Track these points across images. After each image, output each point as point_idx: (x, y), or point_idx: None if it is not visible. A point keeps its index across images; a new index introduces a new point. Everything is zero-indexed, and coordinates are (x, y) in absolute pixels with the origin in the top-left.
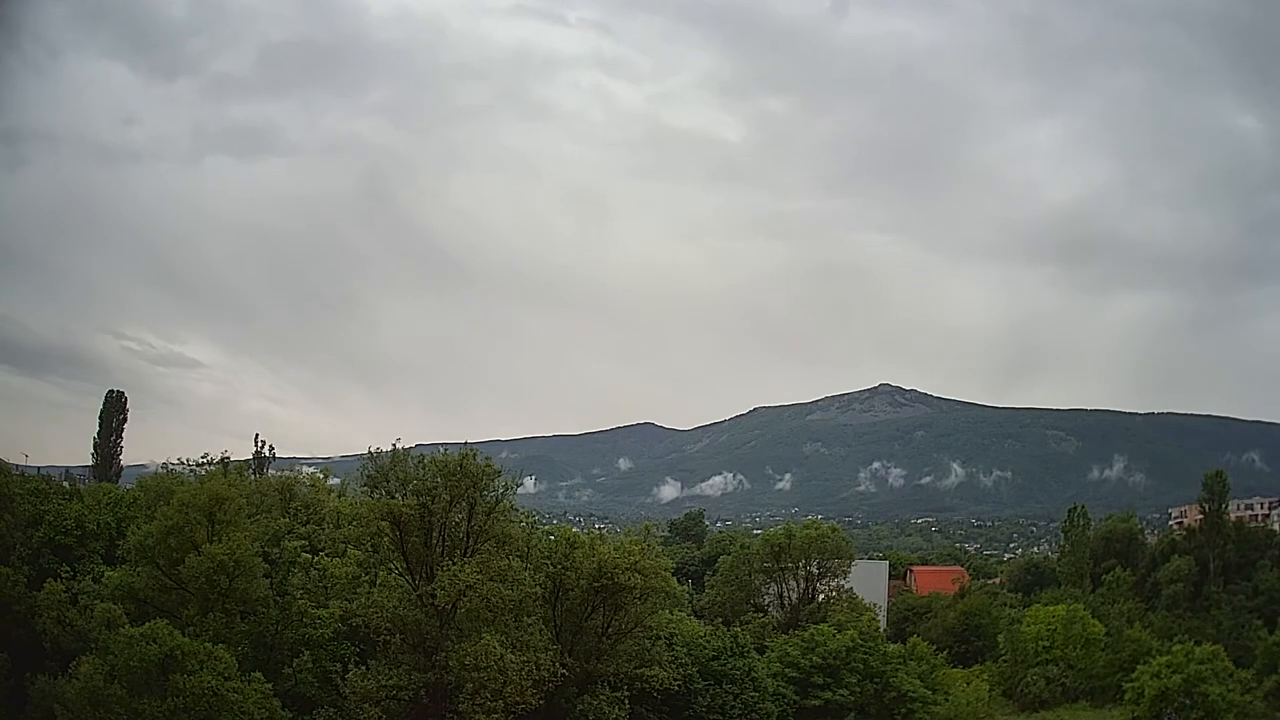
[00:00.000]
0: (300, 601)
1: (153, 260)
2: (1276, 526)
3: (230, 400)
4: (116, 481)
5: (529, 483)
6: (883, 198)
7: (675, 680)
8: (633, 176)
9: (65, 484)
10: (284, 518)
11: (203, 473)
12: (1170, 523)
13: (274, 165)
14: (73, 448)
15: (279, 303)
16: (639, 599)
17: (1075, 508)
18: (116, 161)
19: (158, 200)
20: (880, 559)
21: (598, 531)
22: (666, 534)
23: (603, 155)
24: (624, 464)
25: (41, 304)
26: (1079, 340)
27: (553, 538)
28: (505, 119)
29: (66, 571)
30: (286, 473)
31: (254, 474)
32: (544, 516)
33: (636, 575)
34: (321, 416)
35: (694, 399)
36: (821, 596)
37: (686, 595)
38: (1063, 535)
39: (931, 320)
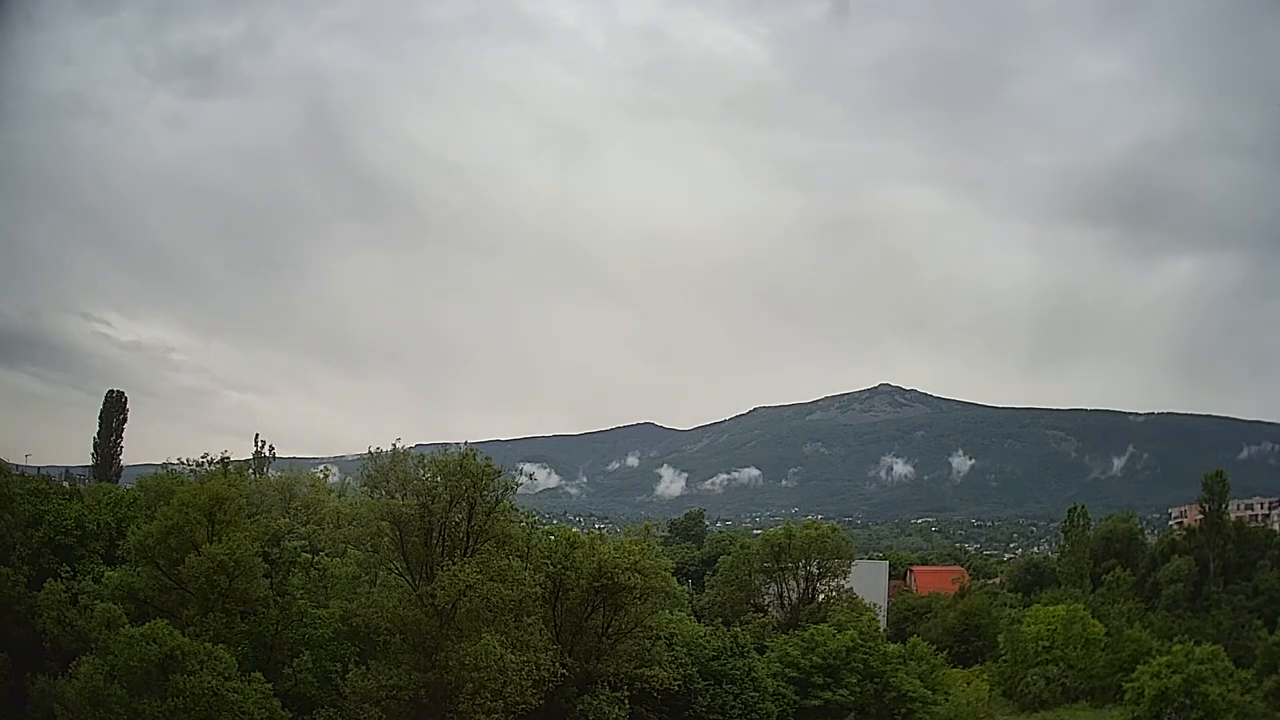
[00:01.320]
0: (300, 601)
1: (100, 226)
2: (1276, 526)
3: (211, 392)
4: (116, 481)
5: (542, 476)
6: (921, 140)
7: (675, 680)
8: (633, 116)
9: (65, 484)
10: (284, 518)
11: (203, 473)
12: (1170, 523)
13: (224, 108)
14: (73, 448)
15: (239, 274)
16: (639, 599)
17: (1075, 508)
18: (56, 111)
19: (100, 155)
20: (880, 559)
21: (598, 531)
22: (666, 534)
23: (599, 85)
24: (624, 463)
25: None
26: (1129, 314)
27: (553, 538)
28: (486, 43)
29: (66, 571)
30: (286, 472)
31: (254, 474)
32: (544, 516)
33: (636, 575)
34: (303, 407)
35: (694, 399)
36: (821, 596)
37: (686, 595)
38: (1063, 535)
39: (962, 289)
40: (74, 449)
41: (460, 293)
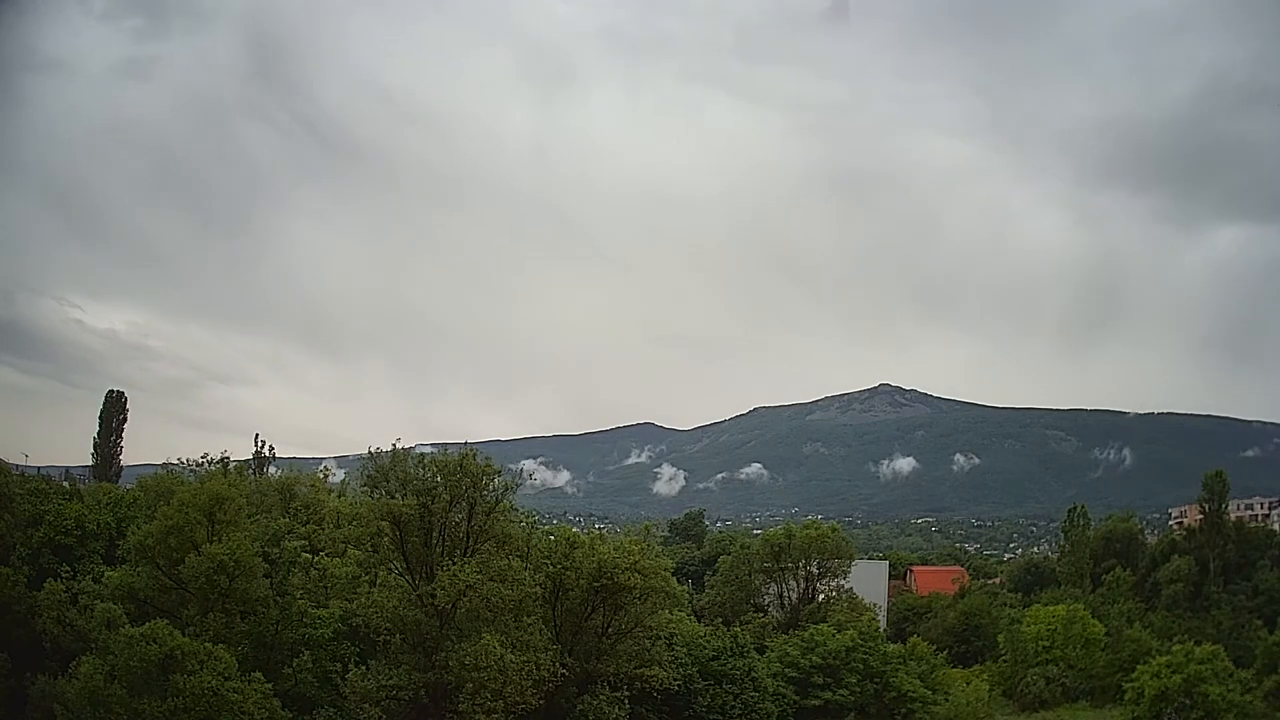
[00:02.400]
0: (300, 601)
1: (55, 192)
2: (1276, 526)
3: (193, 384)
4: (116, 481)
5: (542, 476)
6: (953, 83)
7: (675, 680)
8: (629, 51)
9: (65, 484)
10: (284, 518)
11: (203, 472)
12: (1170, 523)
13: (176, 51)
14: (73, 448)
15: (203, 245)
16: (639, 599)
17: (1075, 508)
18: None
19: (52, 110)
20: (880, 559)
21: (598, 531)
22: (666, 534)
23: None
24: (624, 463)
25: None
26: (1169, 290)
27: (553, 538)
28: None
29: (66, 571)
30: (286, 472)
31: (254, 474)
32: (544, 516)
33: (636, 575)
34: (287, 396)
35: (694, 399)
36: (821, 596)
37: (686, 595)
38: (1063, 535)
39: (987, 255)
40: (74, 449)
41: (437, 261)
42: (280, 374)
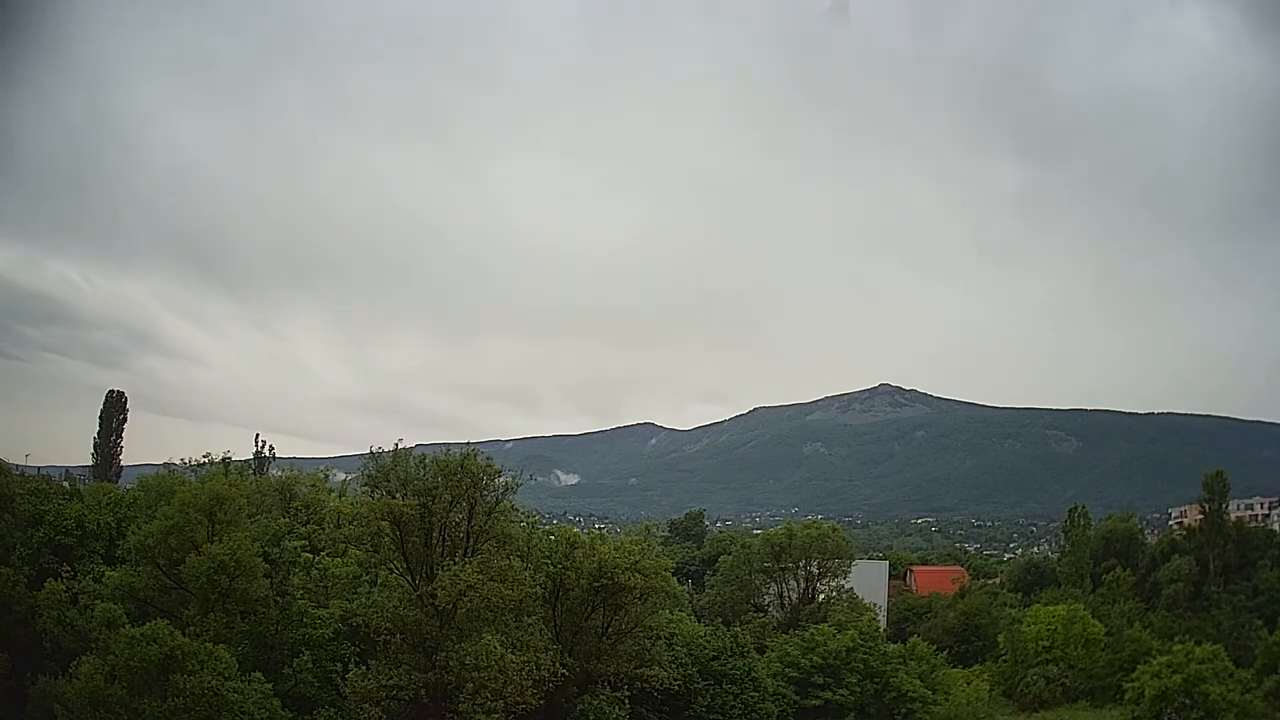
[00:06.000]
0: (300, 601)
1: None
2: (1276, 526)
3: (125, 353)
4: (116, 481)
5: (542, 476)
6: None
7: (675, 680)
8: None
9: (65, 484)
10: (284, 518)
11: (204, 472)
12: (1170, 523)
13: None
14: (73, 448)
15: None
16: (639, 599)
17: (1075, 508)
18: None
19: None
20: (880, 559)
21: (598, 531)
22: (666, 534)
23: None
24: (624, 464)
25: None
26: None
27: (553, 538)
28: None
29: (67, 571)
30: (286, 472)
31: (254, 474)
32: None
33: (637, 575)
34: (222, 360)
35: (694, 399)
36: (822, 596)
37: (686, 595)
38: (1063, 535)
39: None
40: (74, 449)
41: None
42: (204, 331)
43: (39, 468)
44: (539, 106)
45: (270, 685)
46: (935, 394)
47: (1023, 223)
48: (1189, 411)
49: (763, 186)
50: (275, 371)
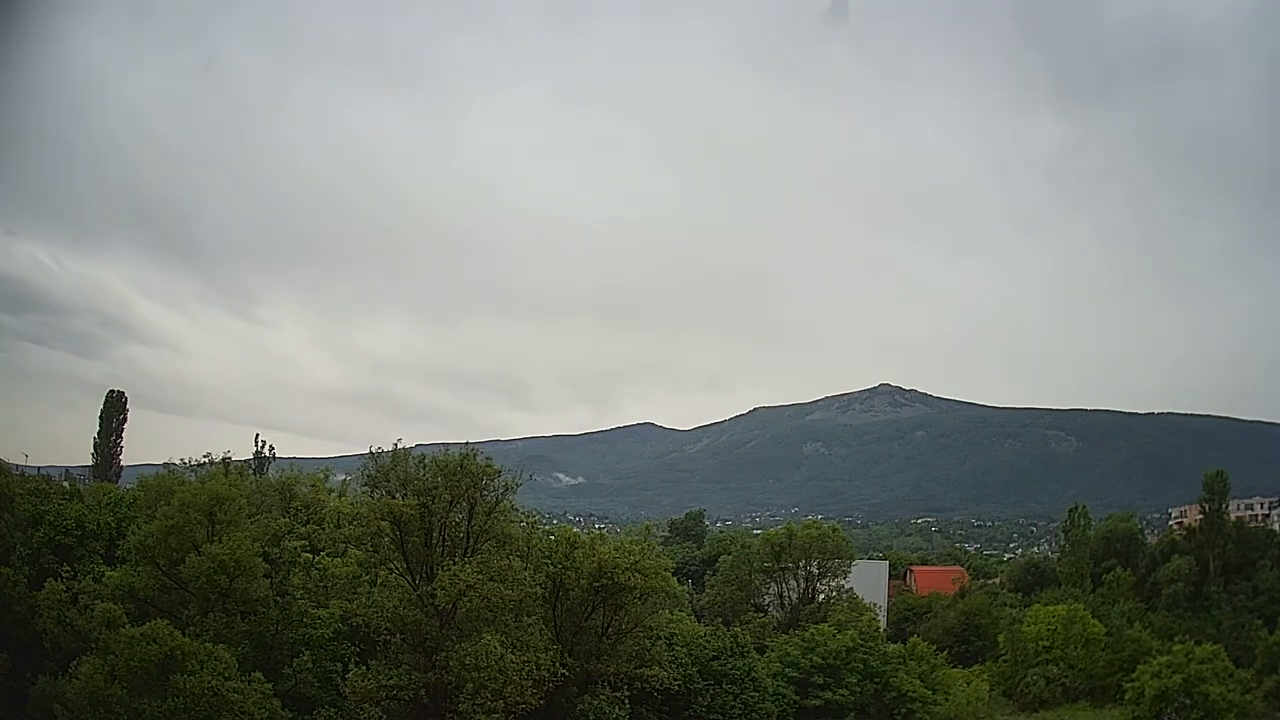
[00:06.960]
0: (300, 601)
1: None
2: (1276, 526)
3: (106, 342)
4: (116, 481)
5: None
6: None
7: (675, 680)
8: None
9: (65, 484)
10: (284, 518)
11: (204, 472)
12: (1170, 523)
13: None
14: (73, 448)
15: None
16: (639, 599)
17: (1075, 508)
18: None
19: None
20: (880, 559)
21: (598, 531)
22: (666, 534)
23: None
24: (624, 464)
25: None
26: None
27: (553, 538)
28: None
29: (67, 571)
30: (286, 472)
31: (254, 474)
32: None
33: (637, 575)
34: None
35: (694, 399)
36: (822, 596)
37: (686, 595)
38: (1063, 535)
39: None
40: (74, 449)
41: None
42: (182, 315)
43: (39, 468)
44: (520, 45)
45: (270, 685)
46: (935, 394)
47: (1053, 189)
48: (1189, 411)
49: (769, 142)
50: (258, 360)
